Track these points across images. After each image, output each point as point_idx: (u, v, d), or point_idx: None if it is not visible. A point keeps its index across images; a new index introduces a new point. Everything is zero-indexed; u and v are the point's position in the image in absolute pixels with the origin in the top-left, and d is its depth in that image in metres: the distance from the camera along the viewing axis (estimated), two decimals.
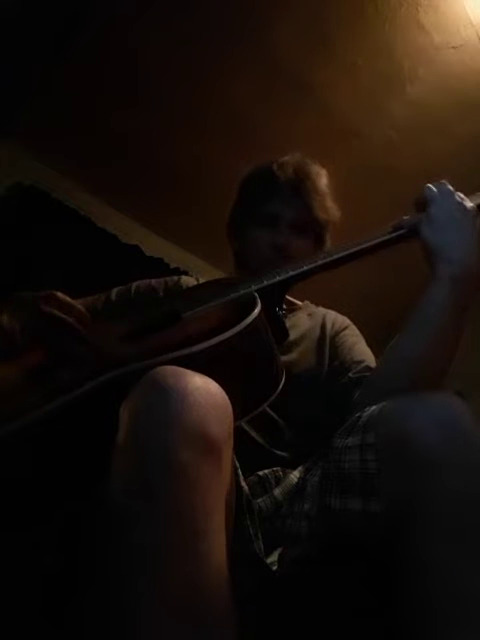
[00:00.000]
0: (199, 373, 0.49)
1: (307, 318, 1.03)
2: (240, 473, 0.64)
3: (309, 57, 1.85)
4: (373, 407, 0.60)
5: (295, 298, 1.08)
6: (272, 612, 0.57)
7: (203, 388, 0.47)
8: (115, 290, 1.03)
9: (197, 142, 2.11)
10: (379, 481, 0.53)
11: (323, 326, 1.00)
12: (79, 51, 1.85)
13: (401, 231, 0.77)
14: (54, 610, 0.52)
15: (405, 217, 0.78)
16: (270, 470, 0.77)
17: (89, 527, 0.53)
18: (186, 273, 2.38)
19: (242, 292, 0.74)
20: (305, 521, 0.64)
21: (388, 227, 0.79)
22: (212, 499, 0.43)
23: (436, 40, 1.77)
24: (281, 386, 0.66)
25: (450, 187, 0.78)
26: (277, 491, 0.74)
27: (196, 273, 2.28)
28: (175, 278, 1.06)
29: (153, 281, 1.05)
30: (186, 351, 0.56)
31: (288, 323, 0.79)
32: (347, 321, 1.04)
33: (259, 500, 0.72)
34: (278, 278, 0.77)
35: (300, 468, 0.77)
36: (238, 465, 0.62)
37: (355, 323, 1.04)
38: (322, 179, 1.03)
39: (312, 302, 1.12)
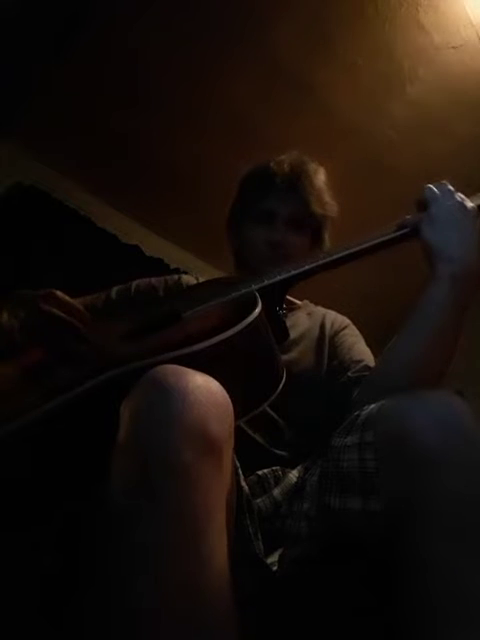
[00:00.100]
0: (200, 372, 0.49)
1: (306, 317, 1.03)
2: (240, 473, 0.64)
3: (309, 57, 1.85)
4: (372, 406, 0.60)
5: (295, 297, 1.08)
6: (273, 612, 0.57)
7: (204, 387, 0.47)
8: (115, 289, 1.03)
9: (197, 142, 2.11)
10: (378, 480, 0.53)
11: (322, 326, 1.00)
12: (79, 51, 1.85)
13: (402, 231, 0.77)
14: (54, 610, 0.52)
15: (407, 217, 0.79)
16: (269, 470, 0.77)
17: (89, 527, 0.53)
18: (186, 273, 2.38)
19: (243, 291, 0.74)
20: (305, 521, 0.64)
21: (389, 227, 0.79)
22: (213, 498, 0.43)
23: (436, 40, 1.77)
24: (282, 385, 0.66)
25: (450, 187, 0.78)
26: (276, 491, 0.73)
27: (196, 273, 2.27)
28: (175, 277, 1.06)
29: (153, 280, 1.05)
30: (187, 350, 0.55)
31: (288, 322, 0.79)
32: (346, 321, 1.04)
33: (258, 500, 0.72)
34: (279, 277, 0.77)
35: (299, 467, 0.77)
36: (238, 465, 0.62)
37: (355, 323, 1.04)
38: (319, 175, 1.03)
39: (312, 302, 1.12)
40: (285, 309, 0.79)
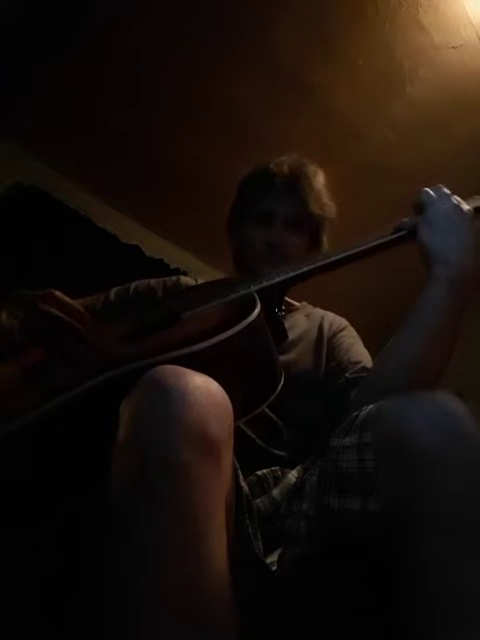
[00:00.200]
0: (199, 372, 0.49)
1: (305, 319, 1.03)
2: (240, 473, 0.64)
3: (309, 57, 1.85)
4: (370, 406, 0.60)
5: (293, 299, 1.09)
6: (272, 612, 0.57)
7: (203, 387, 0.47)
8: (114, 290, 1.03)
9: (197, 142, 2.11)
10: (377, 480, 0.53)
11: (321, 327, 1.00)
12: (79, 51, 1.86)
13: (400, 233, 0.78)
14: (53, 610, 0.52)
15: (404, 219, 0.79)
16: (268, 470, 0.77)
17: (89, 527, 0.53)
18: (186, 273, 2.38)
19: (242, 293, 0.74)
20: (304, 521, 0.64)
21: (387, 229, 0.80)
22: (212, 499, 0.43)
23: (436, 40, 1.77)
24: (281, 386, 0.66)
25: (447, 190, 0.79)
26: (276, 491, 0.74)
27: (196, 273, 2.28)
28: (174, 278, 1.06)
29: (152, 281, 1.05)
30: (186, 350, 0.56)
31: (286, 324, 0.79)
32: (344, 322, 1.04)
33: (258, 500, 0.72)
34: (277, 279, 0.77)
35: (298, 468, 0.77)
36: (238, 465, 0.62)
37: (353, 325, 1.04)
38: (318, 177, 1.03)
39: (310, 303, 1.12)
40: (284, 311, 0.80)
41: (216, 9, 1.73)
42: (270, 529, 0.68)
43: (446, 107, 1.93)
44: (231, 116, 2.04)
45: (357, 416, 0.61)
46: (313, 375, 0.92)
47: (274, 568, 0.64)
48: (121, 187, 2.33)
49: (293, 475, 0.76)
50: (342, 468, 0.58)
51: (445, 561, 0.46)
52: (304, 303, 1.11)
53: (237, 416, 0.52)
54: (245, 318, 0.61)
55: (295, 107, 1.99)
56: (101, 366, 0.59)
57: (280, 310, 0.77)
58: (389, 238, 0.78)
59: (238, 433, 0.52)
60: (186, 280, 1.07)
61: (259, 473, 0.76)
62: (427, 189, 0.79)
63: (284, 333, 0.76)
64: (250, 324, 0.61)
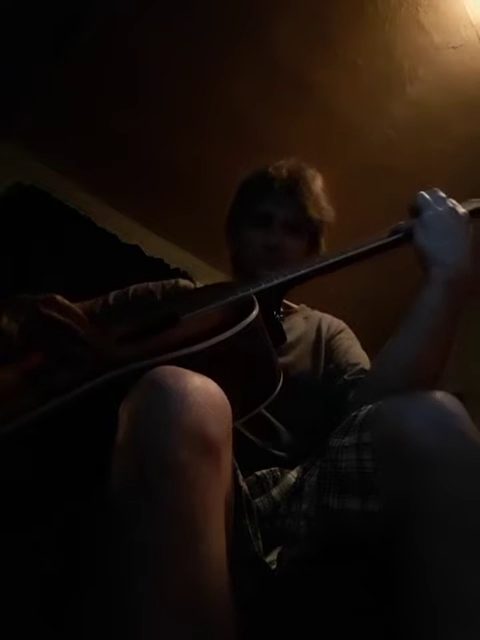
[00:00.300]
0: (198, 373, 0.49)
1: (303, 321, 1.04)
2: (239, 473, 0.64)
3: (309, 57, 1.85)
4: (369, 406, 0.60)
5: (291, 302, 1.09)
6: (272, 612, 0.57)
7: (202, 388, 0.47)
8: (112, 294, 1.04)
9: (197, 142, 2.11)
10: (377, 480, 0.53)
11: (319, 329, 1.01)
12: (79, 51, 1.86)
13: (396, 236, 0.79)
14: (53, 610, 0.52)
15: (401, 222, 0.80)
16: (268, 470, 0.77)
17: (89, 527, 0.53)
18: (186, 273, 2.38)
19: (240, 295, 0.74)
20: (303, 521, 0.64)
21: (385, 232, 0.80)
22: (211, 499, 0.43)
23: (436, 40, 1.77)
24: (279, 387, 0.66)
25: (442, 194, 0.79)
26: (275, 491, 0.74)
27: (196, 273, 2.28)
28: (172, 282, 1.07)
29: (150, 284, 1.05)
30: (185, 351, 0.56)
31: (285, 326, 0.79)
32: (342, 324, 1.05)
33: (257, 500, 0.72)
34: (276, 281, 0.78)
35: (298, 468, 0.77)
36: (237, 465, 0.62)
37: (351, 327, 1.05)
38: (316, 181, 1.04)
39: (308, 306, 1.12)
40: (282, 313, 0.80)
41: (216, 9, 1.73)
42: (269, 529, 0.69)
43: (446, 107, 1.93)
44: (231, 116, 2.04)
45: (356, 416, 0.61)
46: (312, 377, 0.92)
47: (273, 567, 0.64)
48: (121, 187, 2.33)
49: (292, 475, 0.77)
50: (341, 468, 0.58)
51: (445, 561, 0.46)
52: (302, 305, 1.11)
53: (236, 417, 0.52)
54: (244, 319, 0.61)
55: (295, 107, 1.99)
56: (100, 367, 0.59)
57: (279, 312, 0.78)
58: (386, 241, 0.79)
59: (237, 434, 0.52)
60: (184, 283, 1.07)
61: (258, 473, 0.76)
62: (422, 192, 0.80)
63: (283, 335, 0.77)
64: (248, 325, 0.61)
